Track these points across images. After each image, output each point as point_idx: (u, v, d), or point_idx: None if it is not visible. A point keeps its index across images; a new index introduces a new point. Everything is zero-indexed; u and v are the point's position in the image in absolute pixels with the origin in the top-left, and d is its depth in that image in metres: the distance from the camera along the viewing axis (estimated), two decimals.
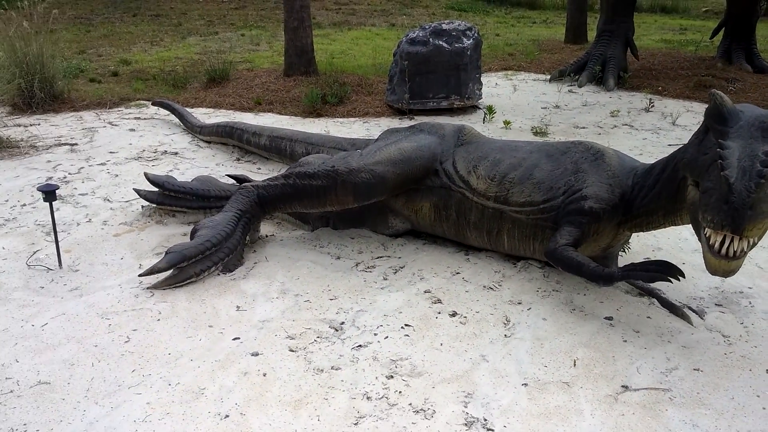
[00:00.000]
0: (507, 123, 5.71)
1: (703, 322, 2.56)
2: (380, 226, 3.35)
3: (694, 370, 2.25)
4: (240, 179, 3.59)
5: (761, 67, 8.28)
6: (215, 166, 4.57)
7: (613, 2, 7.62)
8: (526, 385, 2.16)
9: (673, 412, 2.03)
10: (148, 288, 2.79)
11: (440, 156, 3.18)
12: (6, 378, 2.18)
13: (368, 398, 2.09)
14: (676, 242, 3.32)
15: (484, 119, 5.96)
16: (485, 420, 1.99)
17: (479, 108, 6.42)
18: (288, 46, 7.63)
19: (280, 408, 2.04)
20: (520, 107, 6.51)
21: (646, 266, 2.41)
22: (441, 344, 2.40)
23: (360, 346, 2.39)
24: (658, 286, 2.78)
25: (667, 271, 2.36)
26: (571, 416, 2.00)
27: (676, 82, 7.51)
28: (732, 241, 1.96)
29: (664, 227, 2.66)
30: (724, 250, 1.98)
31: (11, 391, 2.11)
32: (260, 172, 4.42)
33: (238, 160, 4.75)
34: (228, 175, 3.75)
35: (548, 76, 8.01)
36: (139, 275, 2.80)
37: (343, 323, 2.55)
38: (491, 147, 3.18)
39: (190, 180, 3.65)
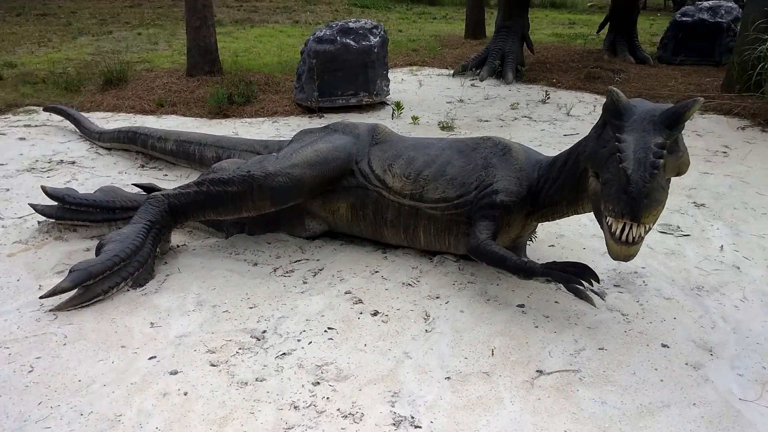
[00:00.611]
0: (415, 118, 5.81)
1: (605, 303, 2.73)
2: (297, 228, 3.33)
3: (599, 349, 2.40)
4: (147, 188, 3.47)
5: (642, 58, 8.85)
6: (118, 175, 4.38)
7: (509, 0, 7.90)
8: (449, 378, 2.23)
9: (583, 391, 2.16)
10: (50, 311, 2.64)
11: (356, 156, 3.21)
12: None
13: (296, 408, 2.09)
14: (576, 228, 3.50)
15: (392, 115, 6.03)
16: (412, 418, 2.04)
17: (387, 104, 6.49)
18: (190, 45, 7.40)
19: (204, 427, 2.00)
20: (427, 102, 6.63)
21: (565, 267, 2.54)
22: (365, 345, 2.43)
23: (284, 354, 2.38)
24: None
25: (583, 275, 2.50)
26: (492, 405, 2.09)
27: (568, 74, 7.90)
28: (631, 228, 2.10)
29: (568, 216, 2.81)
30: (624, 237, 2.12)
31: None
32: (167, 179, 4.28)
33: (143, 167, 4.58)
34: (134, 185, 3.60)
35: (451, 71, 8.20)
36: (41, 297, 2.65)
37: (264, 332, 2.52)
38: (405, 145, 3.23)
39: (92, 191, 3.49)
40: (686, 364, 2.31)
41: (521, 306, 2.70)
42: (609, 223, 2.17)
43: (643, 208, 2.02)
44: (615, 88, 2.30)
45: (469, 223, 2.89)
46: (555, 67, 8.31)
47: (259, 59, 9.23)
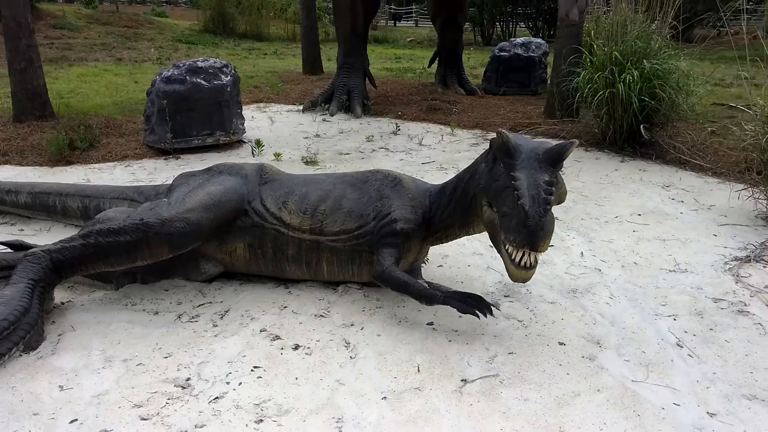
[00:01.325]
0: (278, 155, 5.88)
1: (501, 312, 3.02)
2: (192, 273, 3.26)
3: (509, 353, 2.66)
4: (15, 245, 3.20)
5: (471, 90, 9.71)
6: None
7: (350, 38, 8.29)
8: (385, 398, 2.35)
9: (506, 392, 2.39)
10: None
11: (247, 196, 3.23)
12: None
13: None
14: (458, 249, 3.80)
15: (253, 153, 6.05)
16: None
17: (244, 142, 6.48)
18: (16, 89, 6.83)
19: None
20: (284, 138, 6.73)
21: (464, 298, 2.76)
22: (296, 378, 2.47)
23: (216, 398, 2.34)
24: (461, 287, 3.19)
25: (479, 306, 2.74)
26: (431, 417, 2.24)
27: (410, 106, 8.43)
28: (529, 255, 2.38)
29: (460, 237, 3.08)
30: (523, 263, 2.40)
31: None
32: (25, 234, 3.95)
33: None
34: None
35: (300, 107, 8.38)
36: None
37: (188, 379, 2.46)
38: (295, 182, 3.32)
39: None
40: (582, 357, 2.64)
41: (431, 324, 2.90)
42: (508, 251, 2.43)
43: (540, 239, 2.31)
44: (504, 131, 2.57)
45: (371, 252, 3.05)
46: (397, 100, 8.82)
47: (89, 100, 8.74)
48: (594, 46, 6.69)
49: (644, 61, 5.97)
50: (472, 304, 2.73)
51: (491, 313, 2.74)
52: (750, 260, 3.66)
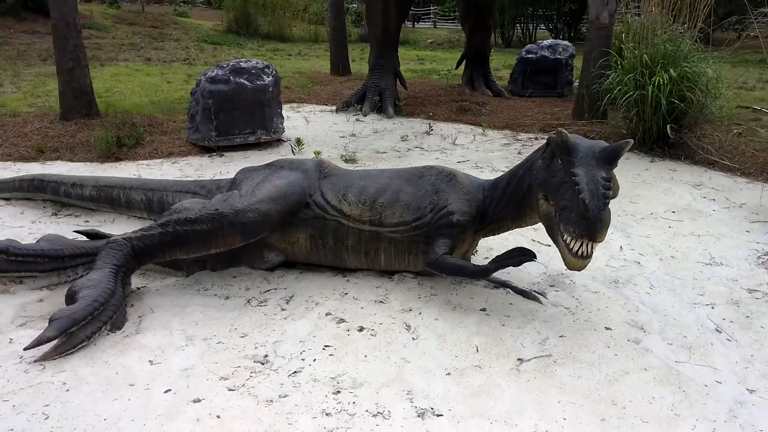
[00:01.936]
0: (317, 153, 6.11)
1: (548, 300, 3.21)
2: (257, 261, 3.49)
3: (560, 337, 2.85)
4: (91, 234, 3.45)
5: (497, 91, 9.89)
6: (31, 225, 4.22)
7: (381, 40, 8.51)
8: (449, 374, 2.56)
9: (560, 370, 2.59)
10: (35, 361, 2.60)
11: (308, 189, 3.45)
12: None
13: (328, 414, 2.30)
14: (501, 242, 3.99)
15: (293, 151, 6.28)
16: (432, 408, 2.33)
17: (284, 141, 6.72)
18: (64, 88, 7.14)
19: None
20: (321, 137, 6.96)
21: (510, 254, 2.99)
22: (365, 356, 2.68)
23: (295, 372, 2.56)
24: (508, 278, 3.39)
25: (526, 253, 2.96)
26: (494, 391, 2.45)
27: (440, 107, 8.64)
28: (587, 245, 2.58)
29: (511, 229, 3.28)
30: (581, 252, 2.60)
31: None
32: (90, 225, 4.20)
33: (55, 214, 4.44)
34: (76, 231, 3.55)
35: (333, 107, 8.61)
36: (25, 349, 2.60)
37: (266, 356, 2.69)
38: (353, 176, 3.54)
39: (34, 241, 3.39)
40: (628, 340, 2.83)
41: (483, 310, 3.10)
42: (567, 241, 2.63)
43: (598, 231, 2.50)
44: (563, 130, 2.77)
45: (427, 243, 3.26)
46: (426, 101, 9.03)
47: (127, 99, 9.03)
48: (623, 49, 6.85)
49: (674, 64, 6.12)
50: (521, 253, 2.95)
51: (534, 257, 2.94)
52: None
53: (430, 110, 8.36)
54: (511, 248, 3.02)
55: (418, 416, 2.29)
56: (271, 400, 2.38)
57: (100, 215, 4.38)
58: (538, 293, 3.27)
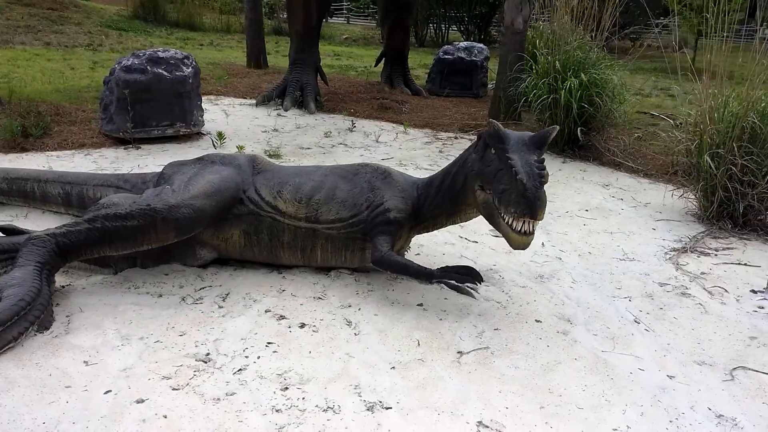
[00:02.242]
0: (240, 148, 6.00)
1: (480, 295, 3.34)
2: (189, 258, 3.40)
3: (495, 330, 2.98)
4: (7, 230, 3.26)
5: (416, 90, 10.07)
6: None
7: (302, 35, 8.45)
8: (394, 368, 2.61)
9: (498, 362, 2.71)
10: None
11: (241, 185, 3.40)
12: None
13: (278, 411, 2.30)
14: (431, 238, 4.10)
15: (214, 145, 6.14)
16: (380, 402, 2.38)
17: (204, 134, 6.55)
18: None
19: None
20: (242, 131, 6.83)
21: (458, 270, 3.14)
22: (309, 352, 2.69)
23: (240, 369, 2.54)
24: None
25: (472, 278, 3.11)
26: (438, 383, 2.53)
27: (362, 104, 8.69)
28: (529, 223, 2.71)
29: (445, 226, 3.39)
30: (524, 230, 2.73)
31: None
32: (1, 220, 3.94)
33: None
34: None
35: (253, 101, 8.47)
36: None
37: (208, 354, 2.64)
38: (287, 173, 3.52)
39: None
40: (557, 332, 3.00)
41: (420, 305, 3.19)
42: (509, 222, 2.75)
43: (538, 208, 2.64)
44: (494, 121, 2.90)
45: (363, 239, 3.30)
46: (347, 98, 9.06)
47: (28, 86, 8.49)
48: (537, 54, 7.18)
49: (583, 71, 6.48)
50: (467, 274, 3.11)
51: (481, 281, 3.06)
52: (686, 251, 4.16)
53: (351, 107, 8.40)
54: (462, 265, 3.12)
55: (368, 410, 2.33)
56: (218, 399, 2.35)
57: (11, 209, 4.12)
58: (471, 288, 3.39)
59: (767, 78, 4.63)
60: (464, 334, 2.92)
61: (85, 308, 2.95)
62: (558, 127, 2.96)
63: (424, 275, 3.09)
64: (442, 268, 3.15)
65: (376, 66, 10.95)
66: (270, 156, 5.89)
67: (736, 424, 2.37)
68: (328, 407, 2.33)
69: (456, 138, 7.30)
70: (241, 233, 3.37)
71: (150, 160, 5.60)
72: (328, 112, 8.17)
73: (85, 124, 6.69)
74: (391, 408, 2.35)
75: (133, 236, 3.03)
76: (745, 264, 3.98)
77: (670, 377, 2.68)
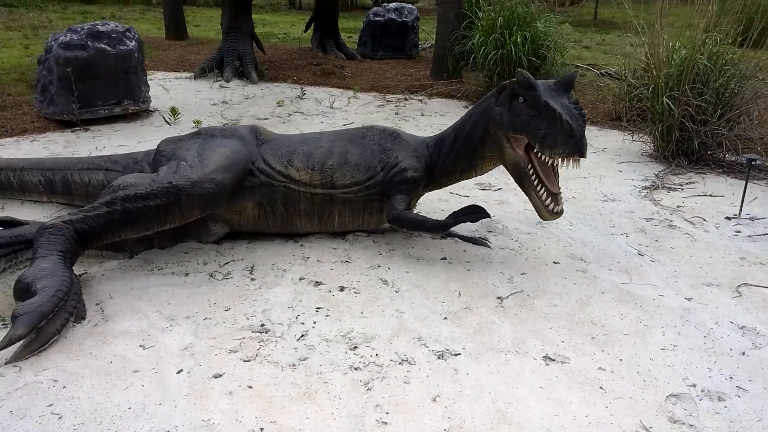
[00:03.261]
0: (197, 122, 5.82)
1: (493, 245, 3.49)
2: (204, 235, 3.34)
3: (522, 274, 3.15)
4: (6, 222, 3.08)
5: (350, 54, 10.01)
6: None
7: (236, 2, 8.17)
8: (446, 318, 2.73)
9: (536, 302, 2.88)
10: (7, 364, 2.32)
11: (249, 156, 3.36)
12: None
13: (357, 369, 2.36)
14: (425, 198, 4.20)
15: (168, 122, 5.91)
16: (447, 350, 2.49)
17: (152, 111, 6.29)
18: None
19: (296, 404, 2.15)
20: (191, 106, 6.60)
21: (466, 211, 3.24)
22: (361, 312, 2.75)
23: (302, 335, 2.57)
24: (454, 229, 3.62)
25: (481, 211, 3.23)
26: (492, 327, 2.66)
27: (302, 71, 8.57)
28: (559, 199, 2.88)
29: (457, 182, 3.50)
30: (557, 210, 2.92)
31: None
32: None
33: None
34: None
35: (188, 74, 8.15)
36: None
37: (263, 325, 2.65)
38: (293, 141, 3.50)
39: None
40: (577, 270, 3.20)
41: (444, 258, 3.30)
42: (546, 200, 2.93)
43: (585, 146, 2.73)
44: (522, 70, 2.98)
45: (380, 200, 3.36)
46: (284, 65, 8.89)
47: None
48: (477, 12, 7.33)
49: (527, 25, 6.70)
50: (477, 210, 3.28)
51: (489, 215, 3.30)
52: (657, 188, 4.49)
53: (293, 74, 8.26)
54: (466, 205, 3.24)
55: (439, 358, 2.44)
56: (294, 365, 2.38)
57: None
58: (483, 239, 3.53)
59: (709, 24, 4.99)
60: (496, 281, 3.06)
61: (114, 294, 2.85)
62: (579, 71, 3.09)
63: (440, 227, 3.20)
64: (451, 214, 3.27)
65: (305, 32, 10.77)
66: None
67: (758, 332, 2.66)
68: (403, 360, 2.42)
69: (406, 99, 7.38)
70: (254, 205, 3.33)
71: (106, 142, 5.34)
72: (272, 81, 8.01)
73: (17, 108, 6.24)
74: (459, 354, 2.47)
75: (157, 215, 2.94)
76: (711, 195, 4.35)
77: (688, 299, 2.95)
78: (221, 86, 7.63)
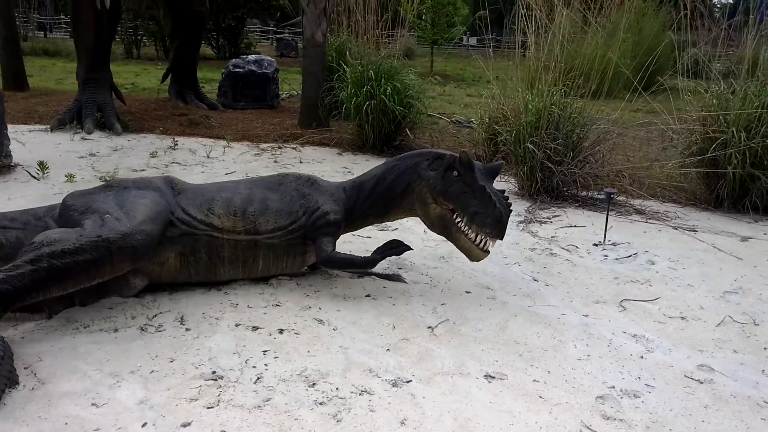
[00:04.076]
0: (70, 176, 5.54)
1: (407, 280, 3.75)
2: (124, 289, 3.25)
3: (442, 304, 3.42)
4: None
5: (211, 104, 9.99)
6: None
7: (92, 52, 7.88)
8: (388, 350, 2.91)
9: (463, 328, 3.16)
10: None
11: (168, 207, 3.35)
12: None
13: (322, 403, 2.46)
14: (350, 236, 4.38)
15: (35, 177, 5.55)
16: (399, 378, 2.67)
17: (14, 166, 5.85)
18: None
19: None
20: (55, 160, 6.23)
21: (390, 246, 3.50)
22: (308, 351, 2.85)
23: (258, 378, 2.61)
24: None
25: (402, 245, 3.51)
26: (432, 353, 2.89)
27: (167, 122, 8.41)
28: (493, 242, 3.24)
29: (371, 225, 3.74)
30: (488, 248, 3.26)
31: None
32: None
33: None
34: None
35: (40, 126, 7.66)
36: None
37: (215, 372, 2.65)
38: (210, 189, 3.54)
39: None
40: (488, 298, 3.55)
41: (369, 295, 3.49)
42: (476, 239, 3.25)
43: (504, 231, 3.21)
44: (466, 151, 3.33)
45: (303, 244, 3.50)
46: (146, 116, 8.66)
47: None
48: (344, 65, 7.76)
49: (393, 78, 7.23)
50: (399, 245, 3.57)
51: (409, 248, 3.61)
52: (531, 221, 5.05)
53: (158, 125, 8.08)
54: (388, 240, 3.49)
55: (394, 386, 2.61)
56: (260, 406, 2.43)
57: None
58: (398, 276, 3.78)
59: (555, 78, 5.77)
60: (422, 312, 3.31)
61: (43, 356, 2.70)
62: (504, 162, 3.51)
63: (369, 263, 3.43)
64: (376, 250, 3.51)
65: (162, 82, 10.56)
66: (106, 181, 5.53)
67: (648, 339, 3.16)
68: (362, 390, 2.56)
69: (280, 147, 7.54)
70: (176, 255, 3.32)
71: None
72: (137, 132, 7.78)
73: None
74: (411, 380, 2.66)
75: (86, 271, 2.84)
76: (576, 225, 5.00)
77: (585, 316, 3.40)
78: (83, 138, 7.28)
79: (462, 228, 3.30)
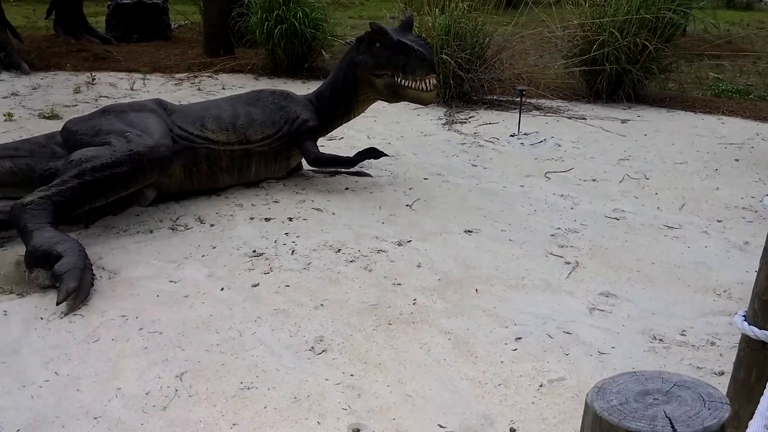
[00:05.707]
0: (9, 115, 5.57)
1: (372, 175, 4.44)
2: (141, 200, 3.66)
3: (410, 189, 4.15)
4: None
5: (105, 38, 9.71)
6: None
7: None
8: (383, 223, 3.62)
9: (433, 203, 3.93)
10: (67, 314, 2.62)
11: (167, 124, 3.77)
12: None
13: (353, 261, 3.15)
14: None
15: None
16: (401, 240, 3.41)
17: None
18: None
19: (332, 287, 2.89)
20: None
21: (369, 151, 4.16)
22: (321, 230, 3.50)
23: (292, 251, 3.24)
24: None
25: (379, 152, 4.18)
26: (418, 222, 3.64)
27: (70, 58, 8.16)
28: (430, 80, 3.80)
29: (340, 126, 4.35)
30: (430, 87, 3.80)
31: None
32: None
33: None
34: None
35: None
36: (58, 303, 2.60)
37: (255, 251, 3.24)
38: (197, 108, 4.00)
39: None
40: (443, 181, 4.32)
41: (347, 188, 4.15)
42: (417, 86, 3.75)
43: (434, 66, 3.78)
44: (374, 21, 3.89)
45: (288, 150, 4.06)
46: (46, 54, 8.38)
47: None
48: None
49: (303, 1, 7.60)
50: (374, 152, 4.21)
51: (386, 154, 4.25)
52: (453, 122, 5.87)
53: (64, 62, 7.92)
54: (366, 147, 4.14)
55: (399, 245, 3.35)
56: (306, 268, 3.08)
57: None
58: (364, 172, 4.45)
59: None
60: (396, 195, 4.04)
61: (101, 255, 3.14)
62: (414, 13, 4.13)
63: (351, 162, 4.08)
64: (356, 153, 4.16)
65: (47, 18, 10.04)
66: (48, 117, 5.64)
67: (572, 197, 4.09)
68: (378, 250, 3.28)
69: (196, 77, 7.73)
70: (181, 167, 3.76)
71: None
72: (45, 71, 7.61)
73: None
74: (411, 241, 3.41)
75: (124, 181, 3.27)
76: (490, 123, 5.86)
77: (522, 186, 4.29)
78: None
79: (403, 83, 3.80)
